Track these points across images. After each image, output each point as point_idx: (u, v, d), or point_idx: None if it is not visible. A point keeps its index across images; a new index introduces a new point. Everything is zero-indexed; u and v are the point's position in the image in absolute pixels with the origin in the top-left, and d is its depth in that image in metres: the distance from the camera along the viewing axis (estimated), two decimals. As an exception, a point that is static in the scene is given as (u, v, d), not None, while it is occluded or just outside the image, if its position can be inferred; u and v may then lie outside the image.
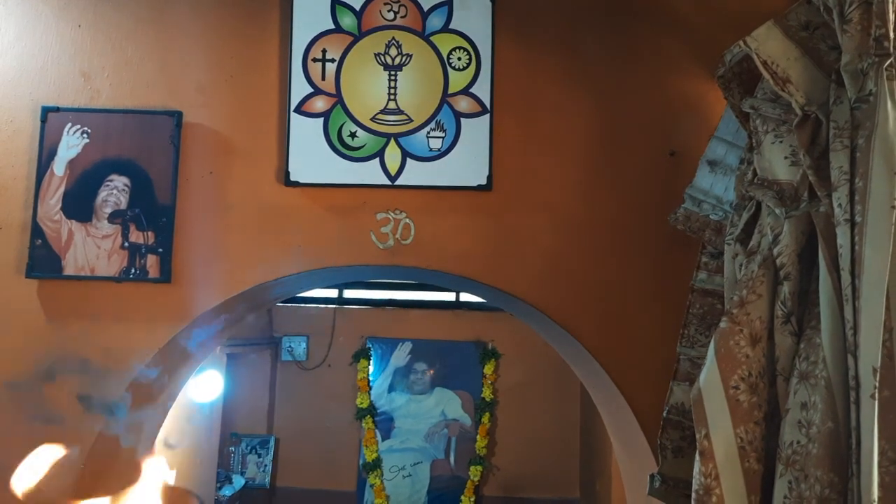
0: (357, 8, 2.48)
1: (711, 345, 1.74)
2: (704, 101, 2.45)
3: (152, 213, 2.40)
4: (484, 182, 2.44)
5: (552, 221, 2.45)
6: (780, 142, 1.82)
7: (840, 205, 1.56)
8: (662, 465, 2.21)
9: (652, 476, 2.21)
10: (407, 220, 2.44)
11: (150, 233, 2.39)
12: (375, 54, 2.47)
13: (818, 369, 1.57)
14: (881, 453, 1.42)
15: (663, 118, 2.48)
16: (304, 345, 7.49)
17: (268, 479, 7.06)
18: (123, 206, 2.40)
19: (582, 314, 2.42)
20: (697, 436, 1.70)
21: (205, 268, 2.41)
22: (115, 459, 2.57)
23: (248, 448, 7.13)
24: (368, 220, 2.45)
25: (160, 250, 2.39)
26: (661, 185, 2.43)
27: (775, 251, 1.71)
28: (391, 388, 7.45)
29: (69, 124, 2.42)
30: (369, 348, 7.47)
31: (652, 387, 2.30)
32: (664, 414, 2.24)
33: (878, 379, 1.43)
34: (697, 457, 1.69)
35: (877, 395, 1.42)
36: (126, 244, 2.39)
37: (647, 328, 2.38)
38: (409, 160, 2.45)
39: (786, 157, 1.80)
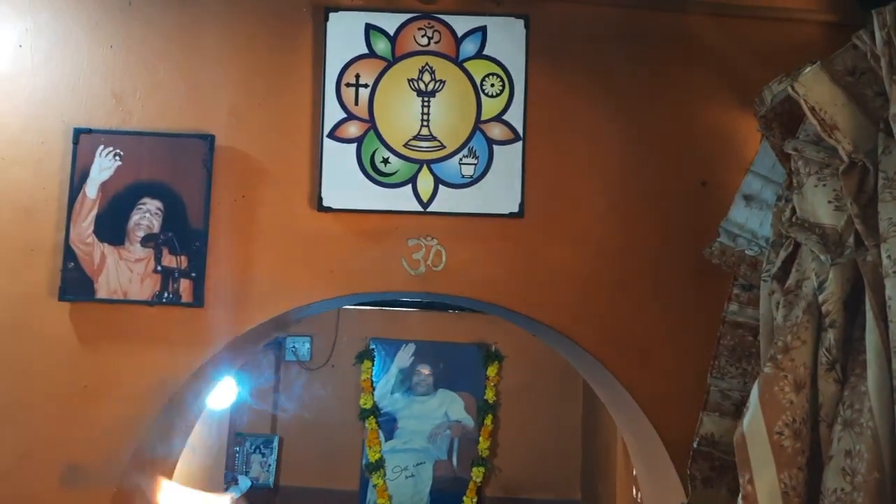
0: (391, 33, 2.47)
1: (755, 389, 1.75)
2: (736, 132, 2.47)
3: (185, 237, 2.40)
4: (516, 210, 2.45)
5: (583, 249, 2.46)
6: (824, 185, 1.83)
7: (889, 256, 1.58)
8: (692, 496, 2.24)
9: (682, 505, 2.24)
10: (438, 247, 2.45)
11: (182, 257, 2.39)
12: (409, 80, 2.47)
13: (864, 418, 1.59)
14: (929, 508, 1.44)
15: (695, 147, 2.49)
16: (307, 345, 7.47)
17: (272, 479, 7.06)
18: (156, 229, 2.40)
19: (612, 342, 2.44)
20: (741, 479, 1.72)
21: (237, 292, 2.41)
22: (149, 471, 2.57)
23: (253, 448, 7.13)
24: (400, 247, 2.45)
25: (193, 274, 2.39)
26: (693, 214, 2.45)
27: (820, 298, 1.72)
28: (394, 389, 7.46)
29: (101, 146, 2.41)
30: (373, 349, 7.47)
31: (682, 416, 2.32)
32: (694, 444, 2.26)
33: (927, 434, 1.45)
34: (740, 500, 1.71)
35: (926, 449, 1.44)
36: (159, 268, 2.38)
37: (677, 357, 2.40)
38: (441, 187, 2.45)
39: (829, 202, 1.81)
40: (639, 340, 2.43)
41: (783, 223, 1.98)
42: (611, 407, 2.84)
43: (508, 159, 2.45)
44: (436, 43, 2.48)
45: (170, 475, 2.73)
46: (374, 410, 7.33)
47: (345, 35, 2.46)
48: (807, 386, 1.72)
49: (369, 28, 2.47)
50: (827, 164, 1.82)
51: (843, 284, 1.71)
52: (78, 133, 2.41)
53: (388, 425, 7.37)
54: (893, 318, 1.54)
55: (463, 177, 2.46)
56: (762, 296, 2.07)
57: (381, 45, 2.47)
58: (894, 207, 1.60)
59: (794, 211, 1.95)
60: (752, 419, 1.72)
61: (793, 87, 1.78)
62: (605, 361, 2.44)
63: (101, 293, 2.38)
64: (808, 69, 1.82)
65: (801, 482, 1.69)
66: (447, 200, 2.45)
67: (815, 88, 1.78)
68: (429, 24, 2.47)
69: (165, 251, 2.39)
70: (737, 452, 1.75)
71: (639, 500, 4.33)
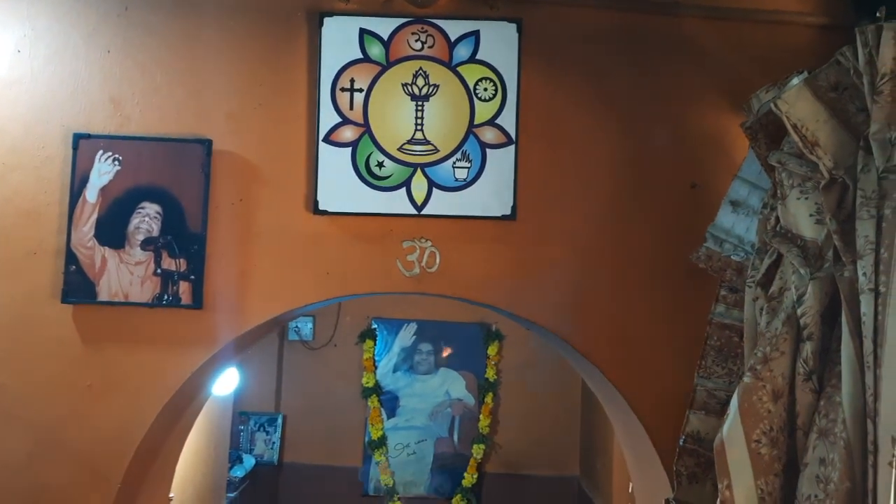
0: (385, 37, 2.49)
1: (734, 398, 1.81)
2: (726, 135, 2.49)
3: (184, 240, 2.45)
4: (508, 212, 2.49)
5: (574, 251, 2.51)
6: (806, 198, 1.87)
7: (865, 274, 1.62)
8: (678, 491, 2.31)
9: (667, 500, 2.32)
10: (432, 249, 2.50)
11: (181, 260, 2.44)
12: (403, 84, 2.50)
13: (837, 428, 1.65)
14: (896, 518, 1.50)
15: (686, 150, 2.52)
16: (310, 325, 7.56)
17: (276, 456, 7.20)
18: (155, 233, 2.45)
19: (602, 342, 2.50)
20: (720, 485, 1.79)
21: (235, 294, 2.47)
22: (153, 464, 2.67)
23: (257, 426, 7.27)
24: (395, 249, 2.50)
25: (192, 277, 2.44)
26: (682, 216, 2.49)
27: (799, 311, 1.77)
28: (396, 368, 7.56)
29: (101, 151, 2.45)
30: (375, 329, 7.55)
31: (669, 414, 2.39)
32: (680, 442, 2.33)
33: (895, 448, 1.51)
34: (718, 505, 1.78)
35: (894, 462, 1.50)
36: (159, 271, 2.44)
37: (665, 357, 2.46)
38: (435, 190, 2.50)
39: (811, 215, 1.85)
40: (628, 340, 2.49)
41: (767, 232, 2.02)
42: (602, 400, 2.91)
43: (501, 163, 2.49)
44: (429, 47, 2.50)
45: (174, 464, 2.81)
46: (377, 389, 7.44)
47: (339, 40, 2.49)
48: (784, 395, 1.78)
49: (363, 33, 2.49)
50: (809, 177, 1.86)
51: (822, 298, 1.75)
52: (77, 138, 2.45)
53: (391, 403, 7.48)
54: (867, 334, 1.60)
55: (456, 180, 2.50)
56: (747, 301, 2.12)
57: (376, 50, 2.50)
58: (871, 226, 1.64)
59: (778, 220, 1.99)
60: (732, 427, 1.79)
61: (776, 104, 1.81)
62: (594, 359, 2.50)
63: (103, 295, 2.44)
64: (793, 85, 1.85)
65: (776, 488, 1.76)
66: (441, 203, 2.50)
67: (797, 105, 1.80)
68: (422, 28, 2.49)
69: (165, 254, 2.45)
70: (716, 459, 1.81)
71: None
